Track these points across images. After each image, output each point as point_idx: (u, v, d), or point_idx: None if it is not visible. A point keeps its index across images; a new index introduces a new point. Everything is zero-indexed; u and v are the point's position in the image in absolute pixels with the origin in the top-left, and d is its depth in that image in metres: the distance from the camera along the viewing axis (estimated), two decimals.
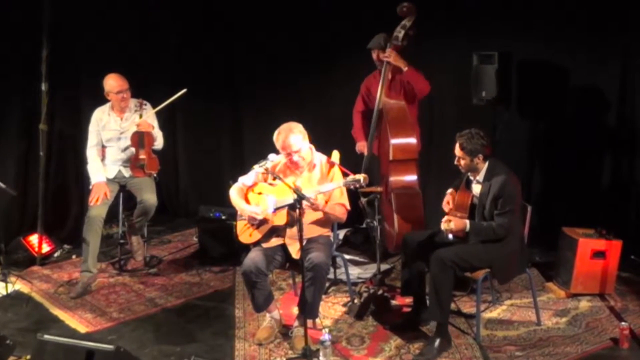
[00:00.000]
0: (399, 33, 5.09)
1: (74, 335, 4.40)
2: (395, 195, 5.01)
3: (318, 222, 4.36)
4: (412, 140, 5.06)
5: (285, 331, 4.39)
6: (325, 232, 4.42)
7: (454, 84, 5.83)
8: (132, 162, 5.37)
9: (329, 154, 4.45)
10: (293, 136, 4.21)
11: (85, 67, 6.21)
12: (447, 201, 4.43)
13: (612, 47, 5.22)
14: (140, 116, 5.34)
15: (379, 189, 5.18)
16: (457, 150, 4.21)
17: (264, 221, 4.30)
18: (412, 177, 5.06)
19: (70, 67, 6.13)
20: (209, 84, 6.63)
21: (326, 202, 4.28)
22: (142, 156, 5.35)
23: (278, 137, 4.24)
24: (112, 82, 5.32)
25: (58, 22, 5.69)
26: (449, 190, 4.51)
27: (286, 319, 4.53)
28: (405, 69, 5.15)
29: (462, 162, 4.22)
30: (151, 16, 6.54)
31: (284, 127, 4.26)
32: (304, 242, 4.11)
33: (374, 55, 5.29)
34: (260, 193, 4.37)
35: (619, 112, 5.33)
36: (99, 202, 5.19)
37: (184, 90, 5.38)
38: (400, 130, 5.04)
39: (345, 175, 4.35)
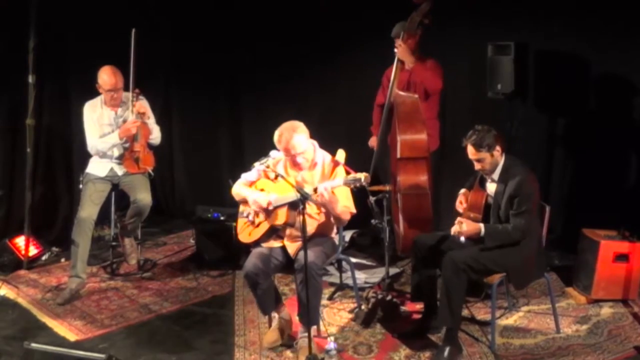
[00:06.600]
0: (414, 21, 5.07)
1: (63, 343, 4.41)
2: (402, 195, 4.98)
3: (319, 225, 4.33)
4: (422, 136, 5.02)
5: (290, 343, 4.35)
6: (325, 233, 4.39)
7: (467, 76, 5.82)
8: (127, 155, 5.33)
9: (332, 152, 4.42)
10: (297, 136, 4.14)
11: (75, 58, 6.19)
12: (460, 201, 4.41)
13: (635, 37, 5.19)
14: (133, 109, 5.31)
15: (389, 187, 5.12)
16: (474, 153, 4.16)
17: (271, 212, 4.26)
18: (420, 177, 5.01)
19: (59, 58, 6.13)
20: (206, 77, 6.63)
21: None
22: (137, 149, 5.33)
23: (280, 138, 4.15)
24: (105, 78, 5.22)
25: (46, 11, 5.66)
26: (462, 191, 4.50)
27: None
28: (411, 65, 5.13)
29: (484, 162, 4.17)
30: (145, 7, 6.53)
31: (286, 127, 4.18)
32: (301, 243, 4.08)
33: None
34: (262, 190, 4.36)
35: None
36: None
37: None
38: (410, 125, 5.00)
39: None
